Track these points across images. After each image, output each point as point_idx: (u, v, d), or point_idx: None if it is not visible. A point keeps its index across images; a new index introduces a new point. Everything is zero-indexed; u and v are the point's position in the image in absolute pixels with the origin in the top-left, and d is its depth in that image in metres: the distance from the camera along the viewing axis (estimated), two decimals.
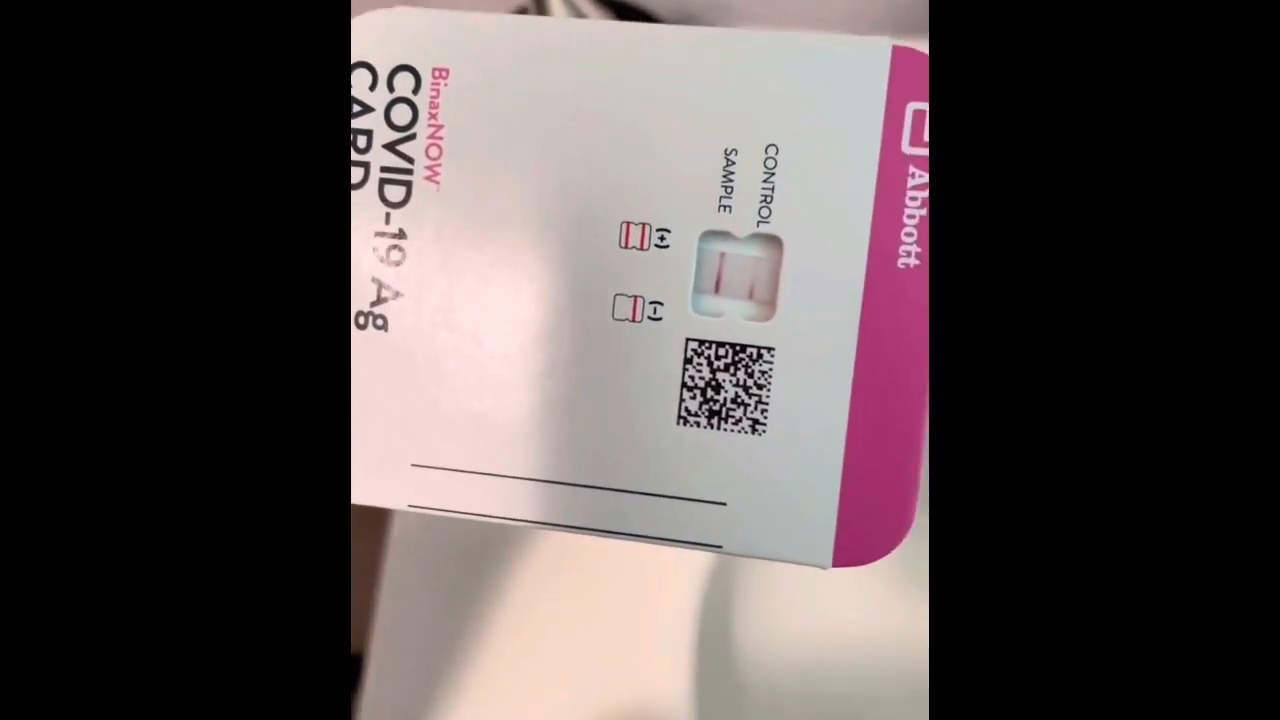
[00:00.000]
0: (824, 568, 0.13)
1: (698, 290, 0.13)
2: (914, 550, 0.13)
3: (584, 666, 0.24)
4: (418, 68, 0.13)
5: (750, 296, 0.13)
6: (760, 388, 0.13)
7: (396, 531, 0.25)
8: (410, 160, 0.13)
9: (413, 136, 0.13)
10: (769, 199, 0.13)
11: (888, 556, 0.13)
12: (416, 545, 0.25)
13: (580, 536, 0.14)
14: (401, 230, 0.13)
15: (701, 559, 0.25)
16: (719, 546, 0.13)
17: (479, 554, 0.25)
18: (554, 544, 0.25)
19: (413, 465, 0.14)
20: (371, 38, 0.13)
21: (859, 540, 0.13)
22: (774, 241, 0.13)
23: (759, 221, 0.13)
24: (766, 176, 0.13)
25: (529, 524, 0.14)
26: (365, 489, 0.14)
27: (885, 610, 0.24)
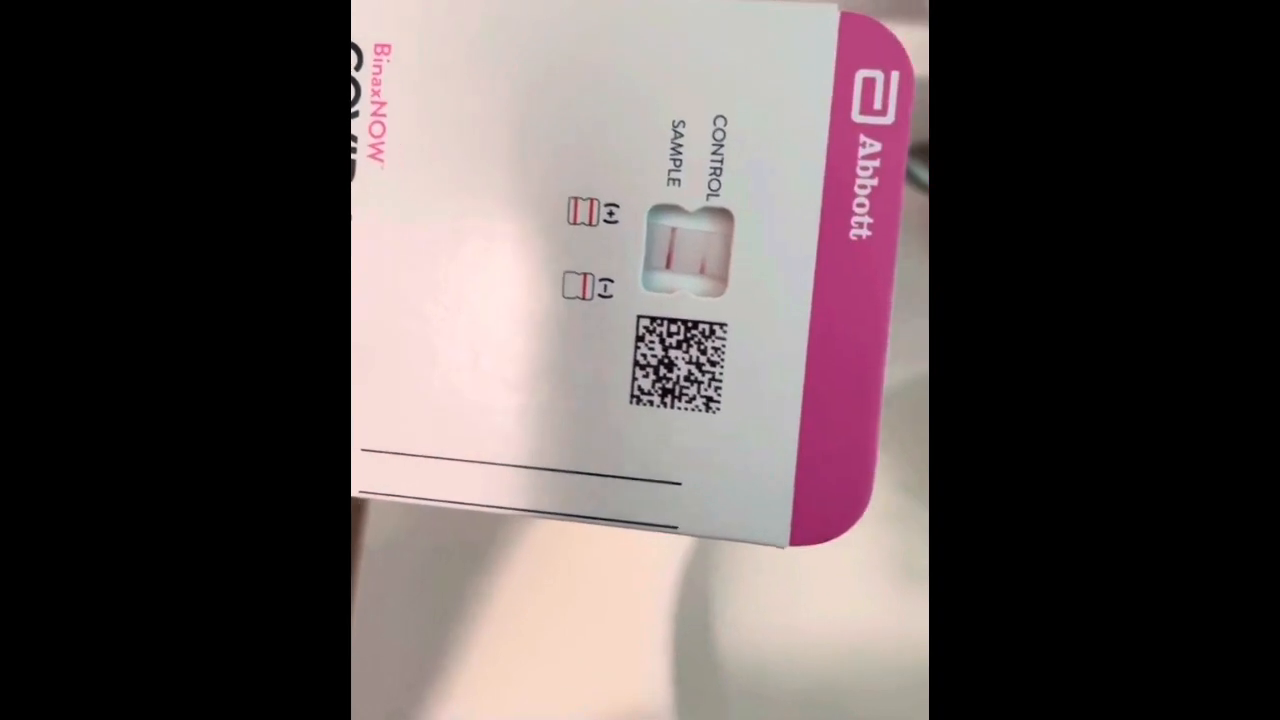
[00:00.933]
0: (780, 547, 0.13)
1: (649, 266, 0.13)
2: (894, 536, 0.13)
3: (563, 666, 0.24)
4: (359, 44, 0.13)
5: (702, 272, 0.13)
6: (713, 365, 0.13)
7: (370, 528, 0.25)
8: (354, 138, 0.13)
9: (356, 114, 0.13)
10: (719, 171, 0.12)
11: (845, 536, 0.13)
12: (390, 544, 0.25)
13: (550, 528, 0.13)
14: None
15: (675, 550, 0.24)
16: (674, 527, 0.13)
17: (449, 549, 0.24)
18: (525, 538, 0.25)
19: (362, 450, 0.13)
20: None
21: (816, 518, 0.13)
22: (725, 215, 0.13)
23: (709, 195, 0.13)
24: (716, 148, 0.12)
25: (480, 508, 0.13)
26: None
27: (866, 598, 0.24)
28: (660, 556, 0.24)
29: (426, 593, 0.25)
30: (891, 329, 0.13)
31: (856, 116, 0.12)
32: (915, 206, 0.23)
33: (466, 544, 0.24)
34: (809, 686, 0.23)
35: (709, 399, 0.13)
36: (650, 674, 0.23)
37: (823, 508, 0.13)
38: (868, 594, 0.23)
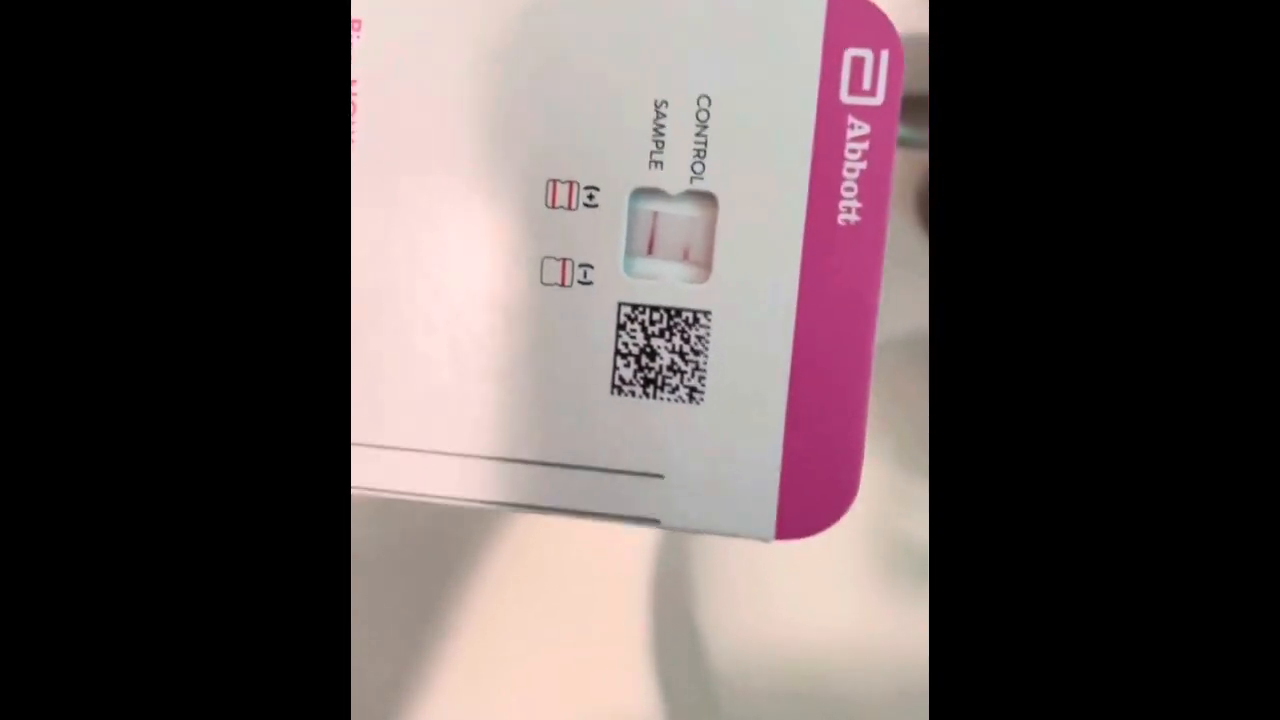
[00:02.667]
0: (767, 540, 0.13)
1: (630, 252, 0.12)
2: (887, 523, 0.13)
3: (540, 671, 0.23)
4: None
5: (685, 258, 0.12)
6: (697, 354, 0.12)
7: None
8: None
9: None
10: (702, 154, 0.12)
11: (831, 530, 0.13)
12: (366, 545, 0.24)
13: (523, 526, 0.13)
14: None
15: (651, 545, 0.24)
16: (656, 521, 0.13)
17: (419, 549, 0.24)
18: (497, 538, 0.24)
19: None
20: None
21: (803, 511, 0.13)
22: (708, 199, 0.12)
23: (692, 178, 0.12)
24: (699, 130, 0.12)
25: (459, 502, 0.13)
26: None
27: (858, 592, 0.23)
28: (635, 553, 0.24)
29: (396, 595, 0.24)
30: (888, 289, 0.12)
31: (845, 97, 0.12)
32: (908, 187, 0.22)
33: (438, 544, 0.24)
34: (800, 686, 0.23)
35: (692, 389, 0.12)
36: (633, 674, 0.23)
37: (810, 500, 0.12)
38: (859, 587, 0.23)
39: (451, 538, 0.23)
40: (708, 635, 0.23)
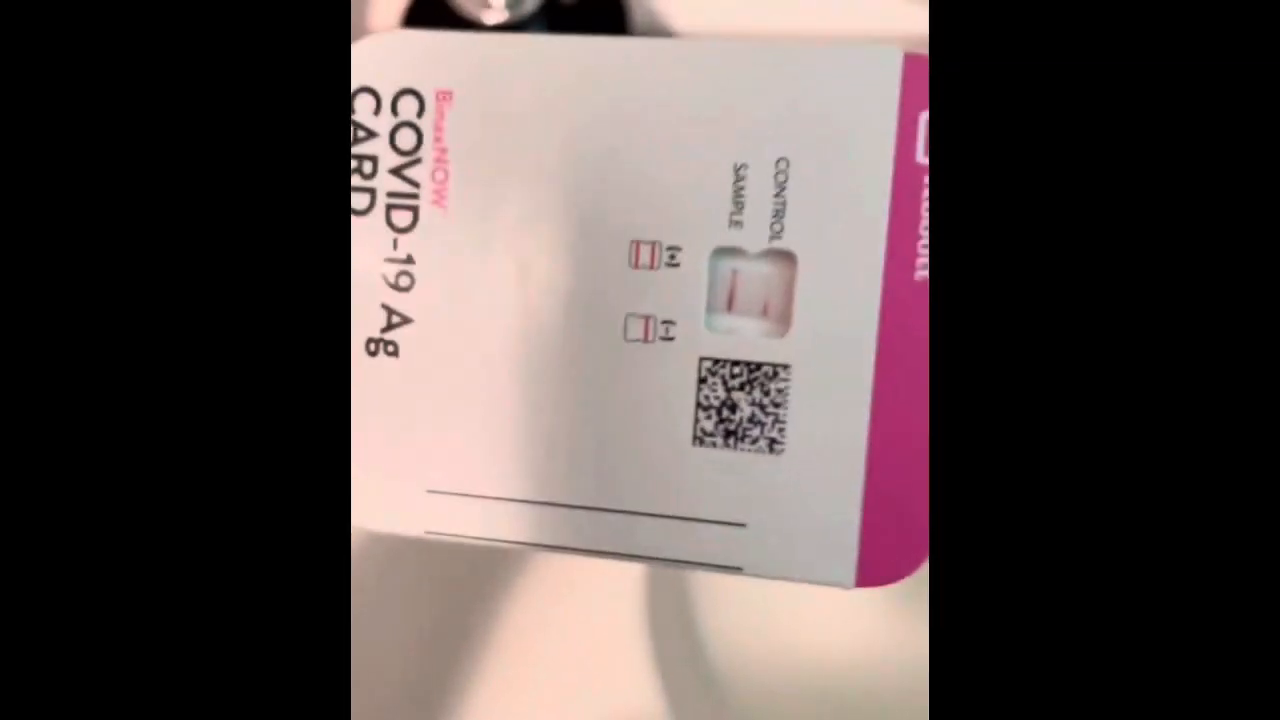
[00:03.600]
0: (846, 588, 0.13)
1: (711, 309, 0.13)
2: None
3: (540, 691, 0.23)
4: (421, 91, 0.13)
5: (765, 314, 0.13)
6: (777, 406, 0.13)
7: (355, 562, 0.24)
8: (416, 185, 0.13)
9: (419, 160, 0.13)
10: (781, 214, 0.12)
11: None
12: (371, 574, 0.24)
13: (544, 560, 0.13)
14: (410, 255, 0.13)
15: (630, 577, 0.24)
16: (739, 568, 0.13)
17: (417, 578, 0.24)
18: (510, 570, 0.24)
19: (428, 492, 0.14)
20: (375, 62, 0.13)
21: (882, 559, 0.13)
22: (787, 257, 0.13)
23: (771, 237, 0.13)
24: (778, 191, 0.12)
25: (546, 549, 0.14)
26: (381, 517, 0.14)
27: (862, 603, 0.23)
28: (623, 574, 0.23)
29: (394, 621, 0.24)
30: None
31: (920, 158, 0.12)
32: None
33: (442, 573, 0.23)
34: (804, 689, 0.23)
35: (772, 440, 0.13)
36: (633, 675, 0.23)
37: (889, 548, 0.13)
38: (864, 599, 0.23)
39: (438, 566, 0.23)
40: (708, 637, 0.23)
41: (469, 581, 0.23)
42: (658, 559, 0.13)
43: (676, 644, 0.23)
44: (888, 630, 0.23)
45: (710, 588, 0.24)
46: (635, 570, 0.23)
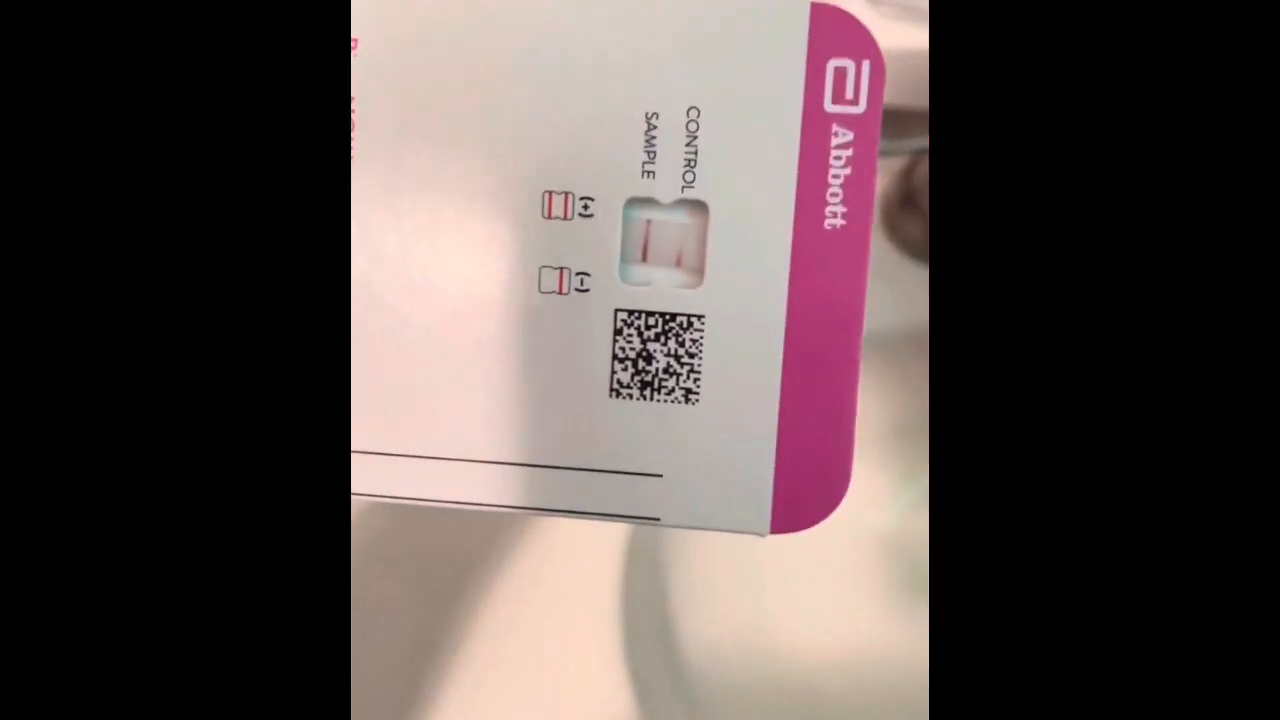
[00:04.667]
0: (761, 535, 0.13)
1: (625, 259, 0.13)
2: (877, 516, 0.13)
3: (512, 683, 0.22)
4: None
5: (678, 264, 0.13)
6: (692, 356, 0.13)
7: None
8: None
9: None
10: (692, 163, 0.13)
11: (825, 522, 0.13)
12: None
13: (488, 527, 0.13)
14: None
15: (619, 544, 0.23)
16: (657, 519, 0.13)
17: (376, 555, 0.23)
18: (482, 531, 0.23)
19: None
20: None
21: (796, 506, 0.13)
22: (700, 207, 0.13)
23: (684, 187, 0.13)
24: (689, 140, 0.12)
25: (461, 506, 0.13)
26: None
27: (851, 592, 0.23)
28: (608, 548, 0.23)
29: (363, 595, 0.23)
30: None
31: (829, 106, 0.12)
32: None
33: (388, 544, 0.23)
34: (783, 688, 0.22)
35: (688, 390, 0.13)
36: (606, 674, 0.22)
37: (803, 495, 0.13)
38: (846, 585, 0.22)
39: (413, 538, 0.23)
40: (682, 634, 0.23)
41: (439, 584, 0.23)
42: (576, 512, 0.13)
43: (651, 645, 0.23)
44: (880, 635, 0.22)
45: (688, 585, 0.23)
46: (611, 566, 0.22)
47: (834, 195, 0.12)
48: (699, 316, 0.13)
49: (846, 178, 0.12)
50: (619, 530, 0.22)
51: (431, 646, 0.23)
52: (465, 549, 0.22)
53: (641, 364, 0.13)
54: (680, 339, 0.13)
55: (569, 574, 0.22)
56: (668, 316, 0.13)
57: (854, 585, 0.22)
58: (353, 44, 0.13)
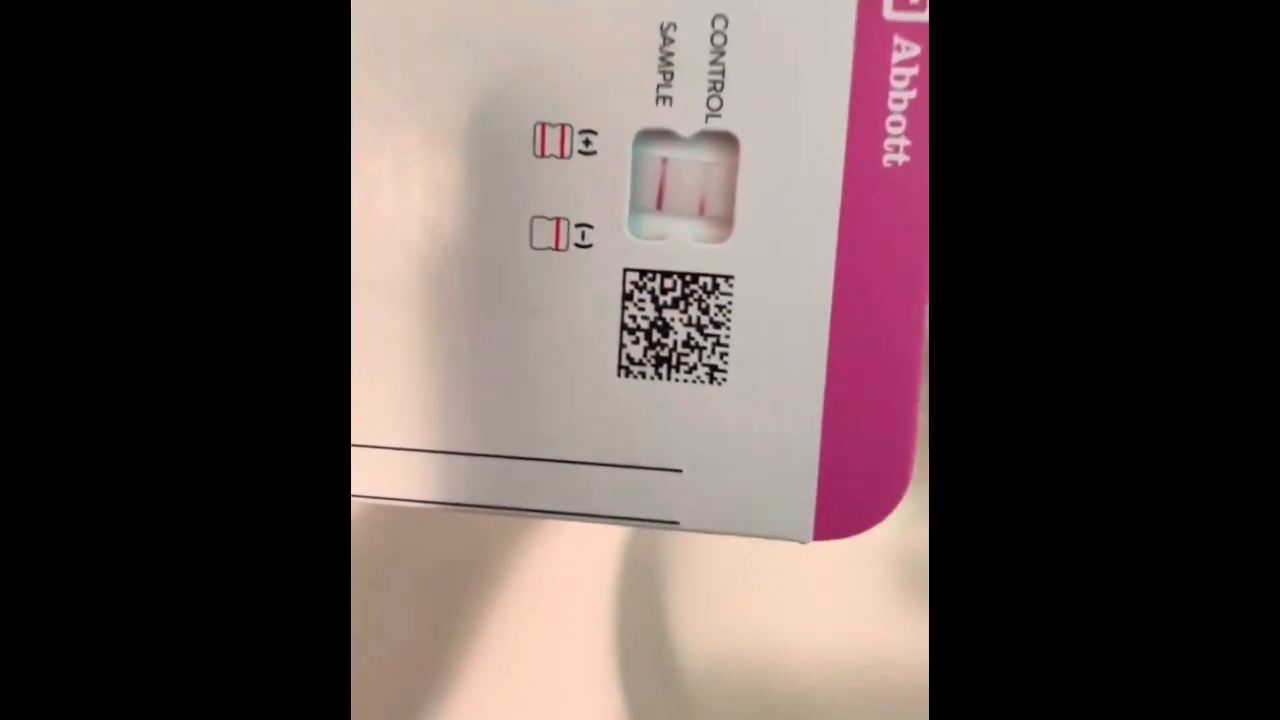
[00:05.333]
0: (803, 542, 0.11)
1: (635, 208, 0.11)
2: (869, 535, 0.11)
3: (498, 692, 0.21)
4: None
5: (701, 213, 0.11)
6: (718, 326, 0.11)
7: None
8: None
9: None
10: (719, 86, 0.10)
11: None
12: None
13: (502, 520, 0.11)
14: None
15: (611, 544, 0.22)
16: (675, 523, 0.11)
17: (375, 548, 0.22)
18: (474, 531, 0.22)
19: None
20: None
21: (846, 507, 0.11)
22: (728, 141, 0.10)
23: (708, 115, 0.10)
24: (715, 57, 0.10)
25: (447, 506, 0.11)
26: None
27: (855, 595, 0.22)
28: (602, 548, 0.21)
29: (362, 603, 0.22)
30: None
31: (889, 13, 0.10)
32: None
33: (383, 547, 0.21)
34: (777, 700, 0.21)
35: (713, 368, 0.11)
36: (598, 685, 0.21)
37: (853, 494, 0.11)
38: (849, 593, 0.21)
39: (406, 539, 0.21)
40: (677, 642, 0.21)
41: (432, 595, 0.21)
42: (579, 515, 0.11)
43: (645, 657, 0.21)
44: (882, 638, 0.21)
45: (687, 594, 0.22)
46: (605, 577, 0.21)
47: (895, 125, 0.10)
48: (727, 277, 0.10)
49: (910, 102, 0.10)
50: (616, 532, 0.21)
51: (415, 663, 0.21)
52: (448, 556, 0.21)
53: (656, 336, 0.11)
54: (704, 305, 0.11)
55: (559, 583, 0.21)
56: (688, 277, 0.10)
57: (854, 595, 0.21)
58: None
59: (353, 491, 0.11)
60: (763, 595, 0.21)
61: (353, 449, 0.11)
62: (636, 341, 0.11)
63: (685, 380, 0.11)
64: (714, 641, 0.21)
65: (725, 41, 0.10)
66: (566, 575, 0.21)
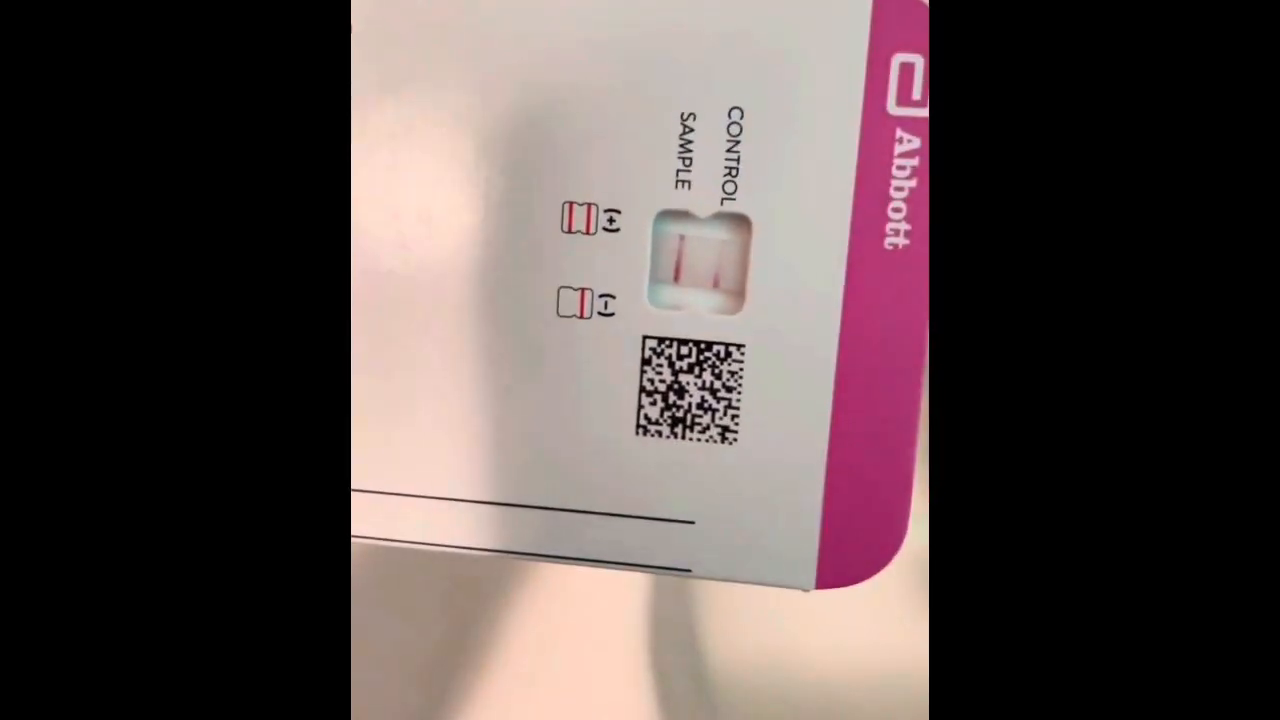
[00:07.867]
0: (805, 590, 0.12)
1: (654, 280, 0.11)
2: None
3: (534, 702, 0.22)
4: None
5: (715, 285, 0.11)
6: (730, 390, 0.11)
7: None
8: None
9: None
10: (734, 172, 0.11)
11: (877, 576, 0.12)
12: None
13: (528, 564, 0.12)
14: None
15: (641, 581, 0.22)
16: (688, 570, 0.12)
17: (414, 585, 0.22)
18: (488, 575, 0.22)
19: (353, 491, 0.12)
20: None
21: (846, 558, 0.12)
22: (741, 221, 0.11)
23: (723, 198, 0.11)
24: (731, 145, 0.11)
25: (474, 552, 0.12)
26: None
27: (870, 622, 0.22)
28: (626, 586, 0.22)
29: (381, 634, 0.22)
30: None
31: (892, 108, 0.11)
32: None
33: (428, 585, 0.22)
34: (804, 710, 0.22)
35: (724, 429, 0.11)
36: (630, 687, 0.21)
37: (853, 546, 0.11)
38: (871, 617, 0.21)
39: (448, 577, 0.22)
40: (708, 651, 0.22)
41: (457, 599, 0.21)
42: (599, 561, 0.12)
43: (676, 659, 0.22)
44: (895, 639, 0.21)
45: (713, 599, 0.22)
46: (636, 582, 0.21)
47: (896, 210, 0.11)
48: (738, 346, 0.11)
49: (911, 190, 0.11)
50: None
51: (446, 661, 0.22)
52: (474, 585, 0.21)
53: (672, 398, 0.11)
54: (717, 371, 0.11)
55: (593, 581, 0.21)
56: (703, 345, 0.11)
57: (865, 603, 0.21)
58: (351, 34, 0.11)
59: (382, 536, 0.12)
60: (790, 597, 0.22)
61: (382, 495, 0.12)
62: (654, 403, 0.11)
63: (699, 439, 0.11)
64: (742, 643, 0.22)
65: (741, 131, 0.11)
66: (599, 575, 0.21)
